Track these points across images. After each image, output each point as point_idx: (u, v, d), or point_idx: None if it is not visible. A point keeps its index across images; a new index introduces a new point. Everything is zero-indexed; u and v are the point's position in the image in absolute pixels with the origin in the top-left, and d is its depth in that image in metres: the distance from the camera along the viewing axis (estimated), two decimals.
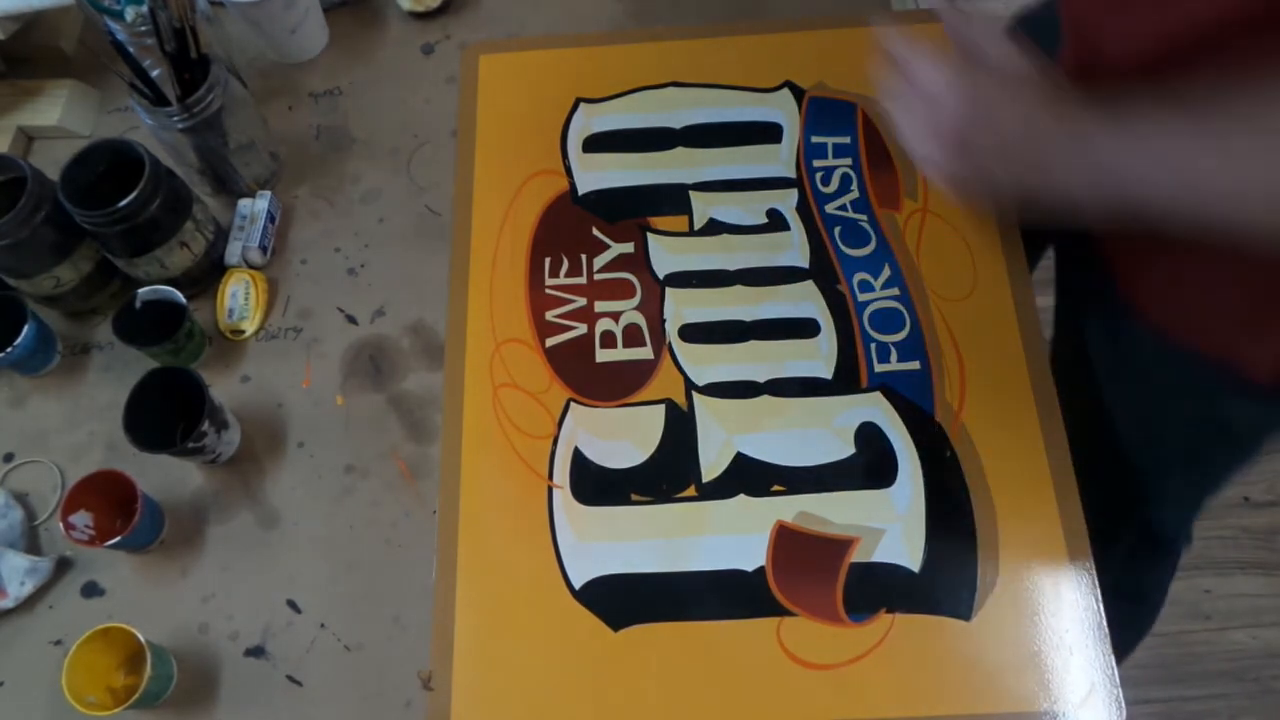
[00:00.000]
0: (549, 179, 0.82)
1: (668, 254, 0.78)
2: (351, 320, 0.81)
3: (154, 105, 0.76)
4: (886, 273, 0.76)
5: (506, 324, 0.76)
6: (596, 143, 0.84)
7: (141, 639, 0.65)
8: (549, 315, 0.77)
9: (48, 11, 0.89)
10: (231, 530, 0.74)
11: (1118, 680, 0.63)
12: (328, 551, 0.73)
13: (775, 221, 0.79)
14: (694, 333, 0.75)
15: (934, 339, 0.73)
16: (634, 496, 0.70)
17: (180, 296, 0.76)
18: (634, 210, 0.80)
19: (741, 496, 0.69)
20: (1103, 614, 0.65)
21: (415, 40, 0.93)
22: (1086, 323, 0.78)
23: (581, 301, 0.77)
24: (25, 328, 0.75)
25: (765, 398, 0.72)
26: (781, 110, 0.84)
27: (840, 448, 0.70)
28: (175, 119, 0.76)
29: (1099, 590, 0.65)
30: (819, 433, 0.71)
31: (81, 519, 0.70)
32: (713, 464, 0.71)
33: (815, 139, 0.82)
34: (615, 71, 0.86)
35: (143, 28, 0.80)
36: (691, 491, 0.70)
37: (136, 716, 0.68)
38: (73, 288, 0.78)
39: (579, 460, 0.71)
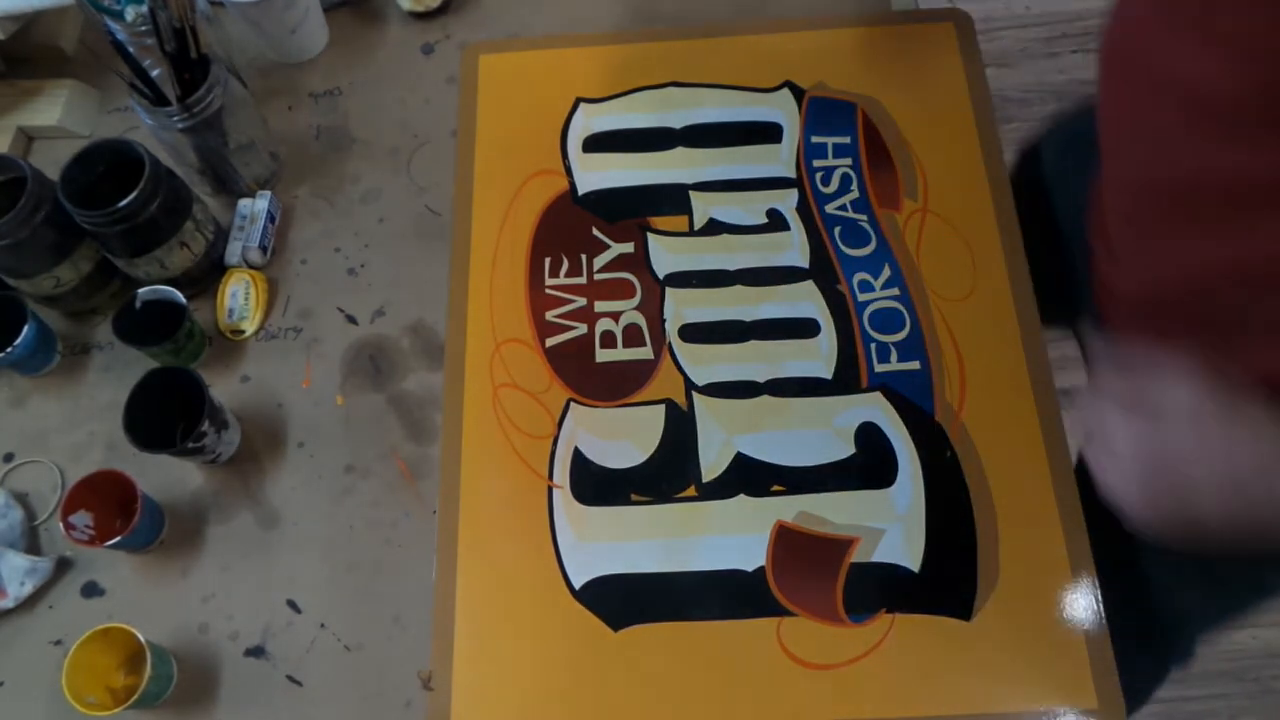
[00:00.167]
0: (549, 179, 0.82)
1: (668, 254, 0.78)
2: (351, 320, 0.81)
3: (154, 105, 0.76)
4: (886, 273, 0.76)
5: (506, 324, 0.76)
6: (596, 143, 0.84)
7: (141, 639, 0.65)
8: (549, 315, 0.77)
9: (48, 11, 0.89)
10: (231, 530, 0.74)
11: (1118, 680, 0.63)
12: (328, 551, 0.73)
13: (775, 221, 0.79)
14: (694, 333, 0.75)
15: (934, 339, 0.74)
16: (634, 496, 0.70)
17: (180, 296, 0.76)
18: (634, 210, 0.80)
19: (741, 496, 0.69)
20: (1103, 613, 0.65)
21: (415, 40, 0.93)
22: None
23: (581, 301, 0.77)
24: (25, 328, 0.75)
25: (765, 398, 0.72)
26: (781, 110, 0.84)
27: (840, 448, 0.70)
28: (175, 119, 0.76)
29: (1099, 589, 0.65)
30: (819, 433, 0.71)
31: (81, 519, 0.70)
32: (713, 464, 0.71)
33: (815, 139, 0.82)
34: (615, 71, 0.86)
35: (143, 28, 0.80)
36: (691, 491, 0.70)
37: (136, 716, 0.68)
38: (73, 288, 0.78)
39: (579, 460, 0.71)
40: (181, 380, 0.71)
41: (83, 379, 0.80)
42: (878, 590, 0.66)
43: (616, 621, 0.67)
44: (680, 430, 0.72)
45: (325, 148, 0.89)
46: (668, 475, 0.70)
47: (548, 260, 0.79)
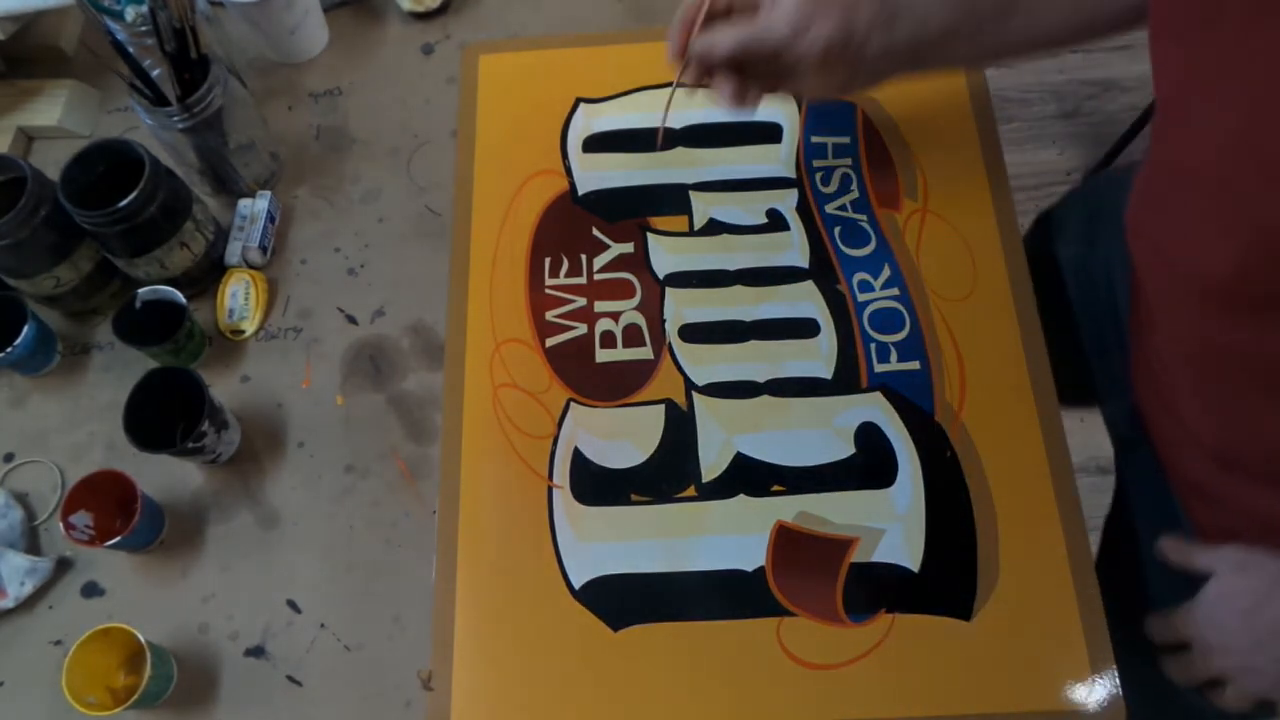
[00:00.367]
0: (549, 179, 0.82)
1: (668, 254, 0.78)
2: (351, 320, 0.81)
3: (154, 105, 0.76)
4: (886, 273, 0.76)
5: (506, 324, 0.76)
6: (596, 143, 0.84)
7: (141, 639, 0.65)
8: (549, 315, 0.77)
9: (48, 11, 0.89)
10: (231, 530, 0.74)
11: (1118, 680, 0.63)
12: (328, 551, 0.73)
13: (775, 221, 0.79)
14: (694, 333, 0.75)
15: (934, 339, 0.73)
16: (634, 496, 0.70)
17: (180, 296, 0.76)
18: (634, 210, 0.80)
19: (741, 496, 0.69)
20: (1103, 613, 0.65)
21: (415, 40, 0.93)
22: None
23: (581, 301, 0.77)
24: (25, 328, 0.75)
25: (765, 398, 0.72)
26: (781, 110, 0.84)
27: (840, 448, 0.70)
28: (175, 119, 0.76)
29: (1099, 589, 0.65)
30: (819, 433, 0.71)
31: (81, 519, 0.70)
32: (713, 464, 0.71)
33: (815, 139, 0.82)
34: (615, 71, 0.86)
35: (143, 28, 0.80)
36: (691, 491, 0.70)
37: (136, 716, 0.68)
38: (73, 288, 0.78)
39: (579, 460, 0.71)
40: (181, 380, 0.71)
41: (83, 379, 0.80)
42: (878, 590, 0.66)
43: (616, 621, 0.67)
44: (680, 430, 0.72)
45: (325, 148, 0.89)
46: (668, 475, 0.70)
47: (548, 260, 0.79)
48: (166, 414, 0.73)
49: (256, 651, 0.70)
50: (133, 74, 0.75)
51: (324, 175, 0.87)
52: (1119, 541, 0.75)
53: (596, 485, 0.70)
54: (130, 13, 0.80)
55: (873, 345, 0.74)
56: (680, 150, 0.83)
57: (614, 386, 0.74)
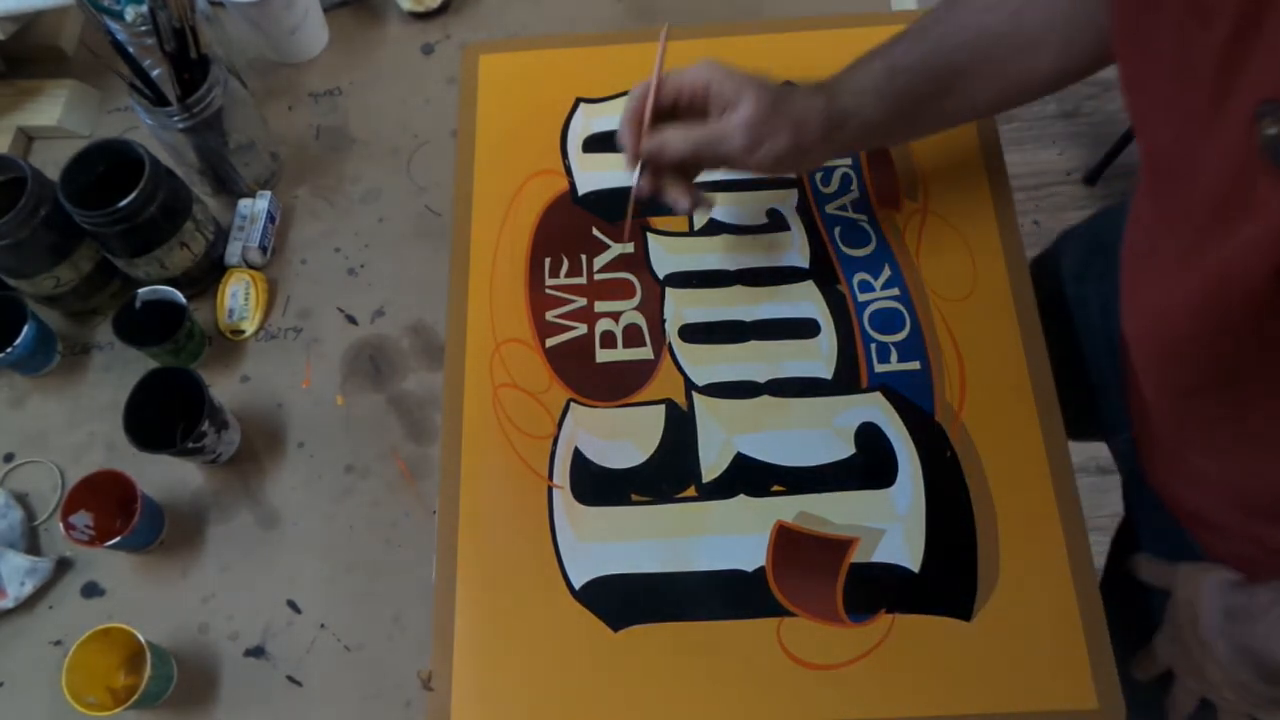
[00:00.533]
0: (549, 179, 0.82)
1: (668, 254, 0.78)
2: (351, 320, 0.81)
3: (154, 105, 0.76)
4: (886, 273, 0.76)
5: (506, 324, 0.76)
6: (596, 143, 0.84)
7: (141, 639, 0.65)
8: (549, 315, 0.77)
9: (48, 11, 0.89)
10: (231, 530, 0.74)
11: (1118, 680, 0.63)
12: (328, 551, 0.73)
13: (775, 221, 0.79)
14: (694, 333, 0.75)
15: (934, 339, 0.73)
16: (634, 496, 0.70)
17: (180, 296, 0.76)
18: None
19: (741, 497, 0.69)
20: (1103, 613, 0.65)
21: (415, 40, 0.94)
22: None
23: (581, 301, 0.77)
24: (25, 328, 0.75)
25: (765, 398, 0.72)
26: None
27: (840, 448, 0.70)
28: (175, 119, 0.76)
29: (1099, 589, 0.65)
30: (819, 433, 0.71)
31: (81, 519, 0.70)
32: (713, 464, 0.71)
33: None
34: (615, 71, 0.86)
35: (143, 28, 0.80)
36: (691, 492, 0.70)
37: (136, 716, 0.68)
38: (73, 288, 0.78)
39: (579, 460, 0.71)
40: (181, 380, 0.71)
41: (83, 379, 0.80)
42: (878, 590, 0.66)
43: (616, 621, 0.67)
44: (680, 430, 0.72)
45: (325, 148, 0.89)
46: (668, 475, 0.70)
47: (548, 260, 0.79)
48: (166, 414, 0.73)
49: (256, 651, 0.70)
50: (133, 74, 0.75)
51: (324, 175, 0.87)
52: (1125, 561, 0.75)
53: (597, 485, 0.70)
54: (130, 13, 0.80)
55: (873, 345, 0.74)
56: None
57: (614, 386, 0.74)
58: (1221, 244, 0.42)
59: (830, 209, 0.79)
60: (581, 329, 0.76)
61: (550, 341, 0.75)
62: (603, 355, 0.75)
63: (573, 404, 0.73)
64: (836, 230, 0.78)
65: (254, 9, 0.86)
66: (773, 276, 0.77)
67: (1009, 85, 0.66)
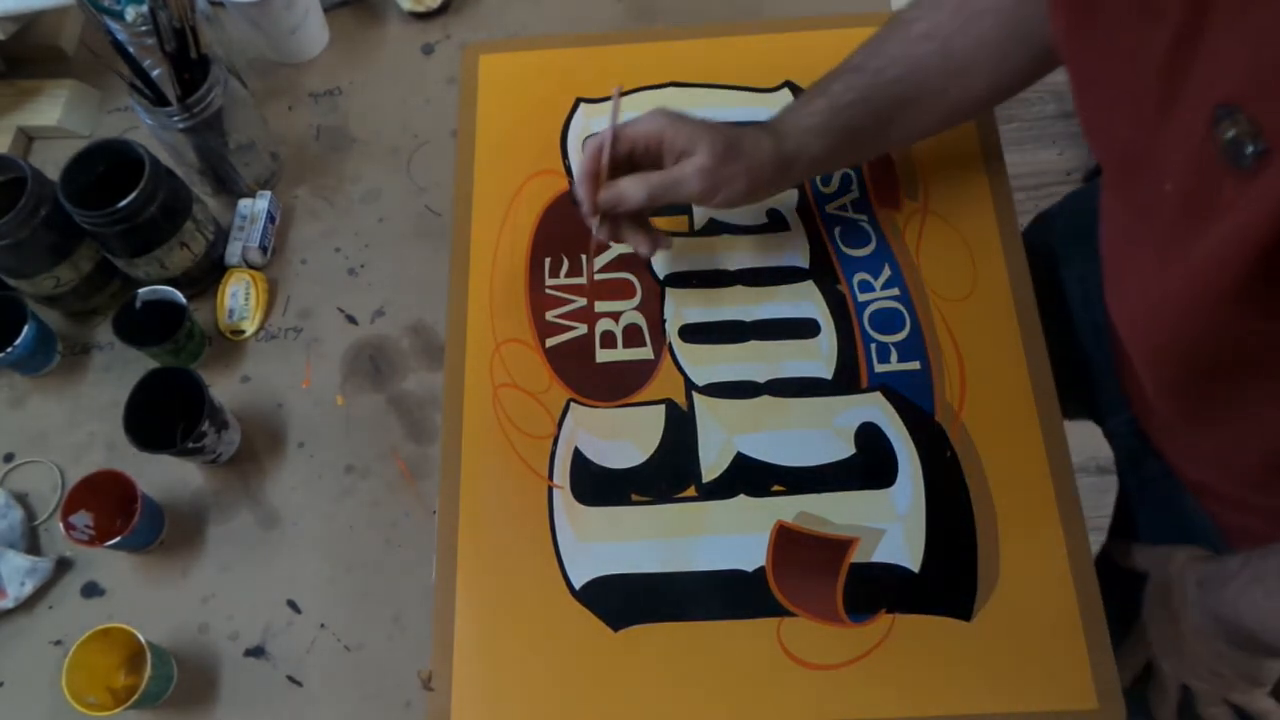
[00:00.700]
0: (549, 179, 0.82)
1: (668, 254, 0.78)
2: (351, 320, 0.81)
3: (154, 105, 0.76)
4: (886, 273, 0.76)
5: (506, 324, 0.76)
6: None
7: (141, 639, 0.65)
8: (549, 315, 0.77)
9: (48, 11, 0.89)
10: (231, 530, 0.74)
11: (1118, 680, 0.63)
12: (328, 551, 0.73)
13: (775, 221, 0.79)
14: (694, 333, 0.75)
15: (934, 339, 0.73)
16: (634, 496, 0.70)
17: (180, 296, 0.76)
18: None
19: (741, 497, 0.69)
20: (1104, 613, 0.65)
21: (415, 40, 0.94)
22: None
23: (581, 301, 0.77)
24: (25, 328, 0.75)
25: (765, 398, 0.72)
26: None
27: (840, 448, 0.70)
28: (175, 119, 0.76)
29: (1099, 589, 0.65)
30: (819, 433, 0.71)
31: (81, 519, 0.70)
32: (713, 464, 0.71)
33: None
34: (615, 71, 0.86)
35: (143, 28, 0.80)
36: (691, 491, 0.70)
37: (136, 716, 0.68)
38: (73, 288, 0.78)
39: (579, 460, 0.71)
40: (181, 380, 0.71)
41: (83, 379, 0.80)
42: (878, 590, 0.66)
43: (616, 621, 0.67)
44: (680, 430, 0.72)
45: (325, 148, 0.89)
46: (668, 475, 0.70)
47: (548, 260, 0.79)
48: (166, 414, 0.73)
49: (256, 651, 0.70)
50: (133, 74, 0.75)
51: (324, 175, 0.87)
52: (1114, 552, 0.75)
53: (597, 485, 0.70)
54: (130, 13, 0.80)
55: (873, 345, 0.74)
56: None
57: (614, 386, 0.74)
58: (1195, 243, 0.43)
59: (830, 209, 0.79)
60: (581, 329, 0.76)
61: (550, 341, 0.75)
62: (603, 355, 0.75)
63: (573, 404, 0.73)
64: (836, 230, 0.78)
65: (254, 9, 0.86)
66: (773, 276, 0.77)
67: (948, 109, 0.70)
